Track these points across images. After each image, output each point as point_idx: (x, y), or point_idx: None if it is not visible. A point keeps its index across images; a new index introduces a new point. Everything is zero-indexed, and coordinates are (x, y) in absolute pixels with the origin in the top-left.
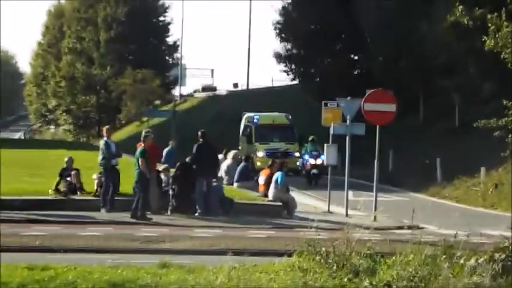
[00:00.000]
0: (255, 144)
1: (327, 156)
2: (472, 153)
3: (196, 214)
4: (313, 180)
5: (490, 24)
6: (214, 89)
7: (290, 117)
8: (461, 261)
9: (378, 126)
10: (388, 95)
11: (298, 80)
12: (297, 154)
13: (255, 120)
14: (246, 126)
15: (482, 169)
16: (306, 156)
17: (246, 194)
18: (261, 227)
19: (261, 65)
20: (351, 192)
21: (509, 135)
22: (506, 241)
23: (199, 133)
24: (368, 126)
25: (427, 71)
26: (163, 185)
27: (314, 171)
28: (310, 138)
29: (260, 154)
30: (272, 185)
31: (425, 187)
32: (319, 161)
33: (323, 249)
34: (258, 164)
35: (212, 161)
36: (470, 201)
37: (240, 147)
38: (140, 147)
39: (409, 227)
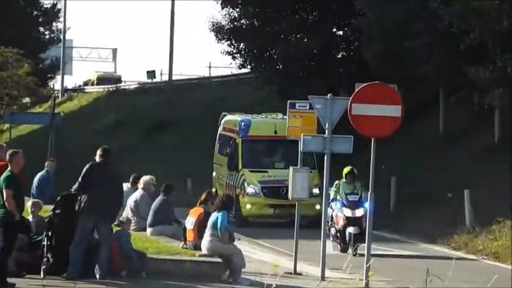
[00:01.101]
0: (243, 171)
1: (293, 186)
2: None
3: (98, 277)
4: (351, 245)
5: None
6: (118, 80)
7: None
8: None
9: (373, 140)
10: (389, 92)
11: (249, 66)
12: (316, 191)
13: (243, 128)
14: (225, 139)
15: None
16: (337, 204)
17: (165, 246)
18: None
19: (192, 43)
20: (330, 243)
21: None
22: None
23: (100, 151)
24: (358, 139)
25: (452, 53)
26: (33, 231)
27: (351, 230)
28: (346, 170)
29: (250, 190)
30: (207, 232)
31: (446, 235)
32: (359, 212)
33: None
34: (247, 207)
35: (112, 193)
36: None
37: (213, 174)
38: (6, 172)
39: None
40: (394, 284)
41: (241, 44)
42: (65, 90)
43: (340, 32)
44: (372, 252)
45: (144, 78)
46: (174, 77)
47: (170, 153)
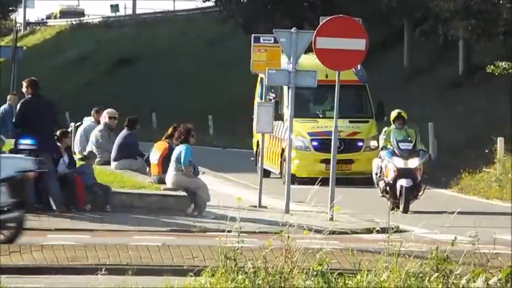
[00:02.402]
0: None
1: (258, 120)
2: (486, 115)
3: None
4: (404, 202)
5: None
6: (81, 13)
7: (361, 67)
8: (463, 281)
9: (338, 73)
10: (354, 25)
11: (214, 0)
12: (374, 143)
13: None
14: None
15: (500, 140)
16: (387, 153)
17: (130, 180)
18: (153, 231)
19: None
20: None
21: None
22: None
23: (25, 83)
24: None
25: None
26: None
27: (403, 182)
28: (393, 115)
29: (298, 143)
30: (172, 165)
31: None
32: (413, 163)
33: (249, 264)
34: (295, 163)
35: (46, 125)
36: (480, 190)
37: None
38: None
39: (383, 230)
40: (358, 217)
41: None
42: (27, 23)
43: None
44: (337, 187)
45: (107, 12)
46: (138, 11)
47: (134, 88)
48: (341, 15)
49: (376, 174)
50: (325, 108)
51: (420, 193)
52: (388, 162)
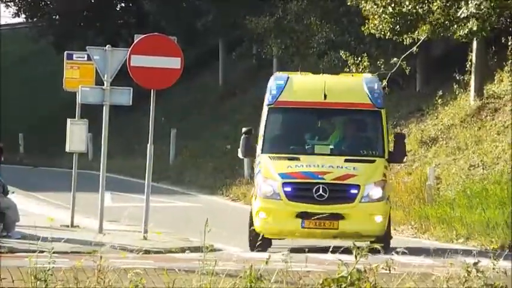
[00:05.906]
0: (260, 157)
1: (70, 138)
2: None
3: None
4: None
5: None
6: None
7: (377, 84)
8: None
9: (153, 92)
10: (169, 44)
11: (25, 16)
12: (377, 192)
13: (273, 90)
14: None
15: None
16: None
17: None
18: None
19: None
20: (108, 196)
21: None
22: (345, 268)
23: None
24: (138, 91)
25: (231, 4)
26: None
27: None
28: None
29: (266, 188)
30: None
31: (229, 185)
32: None
33: (59, 285)
34: (260, 217)
35: None
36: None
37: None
38: None
39: (197, 249)
40: (173, 235)
41: None
42: None
43: None
44: (152, 204)
45: None
46: None
47: None
48: (156, 33)
49: None
50: (316, 142)
51: None
52: None
